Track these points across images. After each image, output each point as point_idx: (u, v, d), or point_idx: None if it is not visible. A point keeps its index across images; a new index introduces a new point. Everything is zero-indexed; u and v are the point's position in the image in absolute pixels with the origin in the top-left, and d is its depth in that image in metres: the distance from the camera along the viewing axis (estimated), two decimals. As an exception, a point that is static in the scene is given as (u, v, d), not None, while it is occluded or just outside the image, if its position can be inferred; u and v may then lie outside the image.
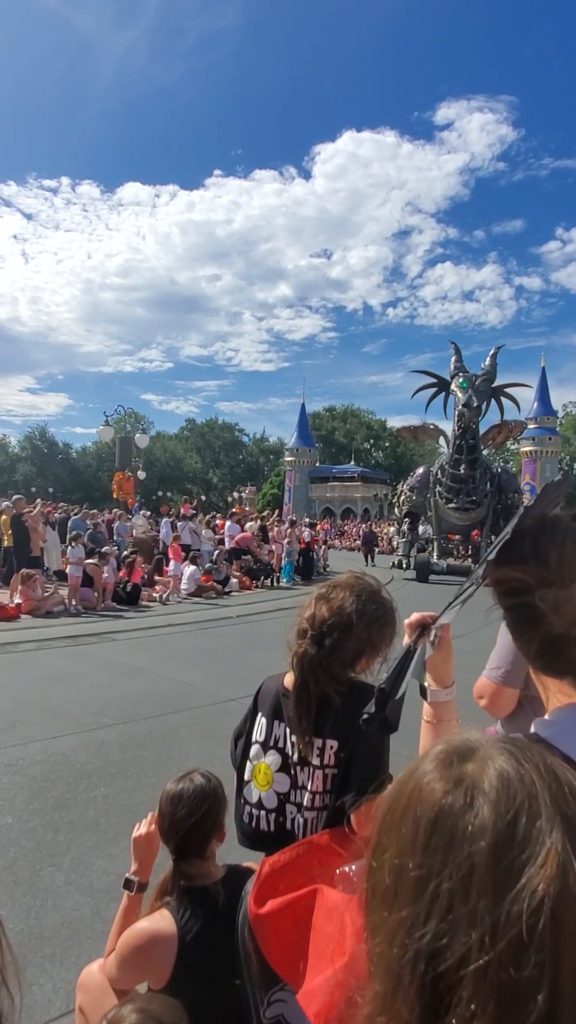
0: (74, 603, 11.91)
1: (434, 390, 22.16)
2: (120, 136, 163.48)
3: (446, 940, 0.54)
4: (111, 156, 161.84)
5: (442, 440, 23.51)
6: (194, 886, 1.80)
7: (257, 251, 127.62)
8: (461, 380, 20.33)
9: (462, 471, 20.31)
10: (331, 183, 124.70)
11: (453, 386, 20.69)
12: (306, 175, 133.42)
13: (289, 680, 1.78)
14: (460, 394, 20.09)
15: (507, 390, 21.82)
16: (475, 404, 19.84)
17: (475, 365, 21.24)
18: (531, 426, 51.46)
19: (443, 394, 21.81)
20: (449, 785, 0.59)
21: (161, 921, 1.74)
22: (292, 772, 1.73)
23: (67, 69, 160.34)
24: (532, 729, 1.03)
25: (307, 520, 29.61)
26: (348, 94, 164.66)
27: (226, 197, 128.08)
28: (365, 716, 1.20)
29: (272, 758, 1.76)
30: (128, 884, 1.97)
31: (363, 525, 40.01)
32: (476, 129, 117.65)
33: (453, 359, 21.21)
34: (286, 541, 18.81)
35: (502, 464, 25.54)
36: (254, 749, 1.80)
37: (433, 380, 22.22)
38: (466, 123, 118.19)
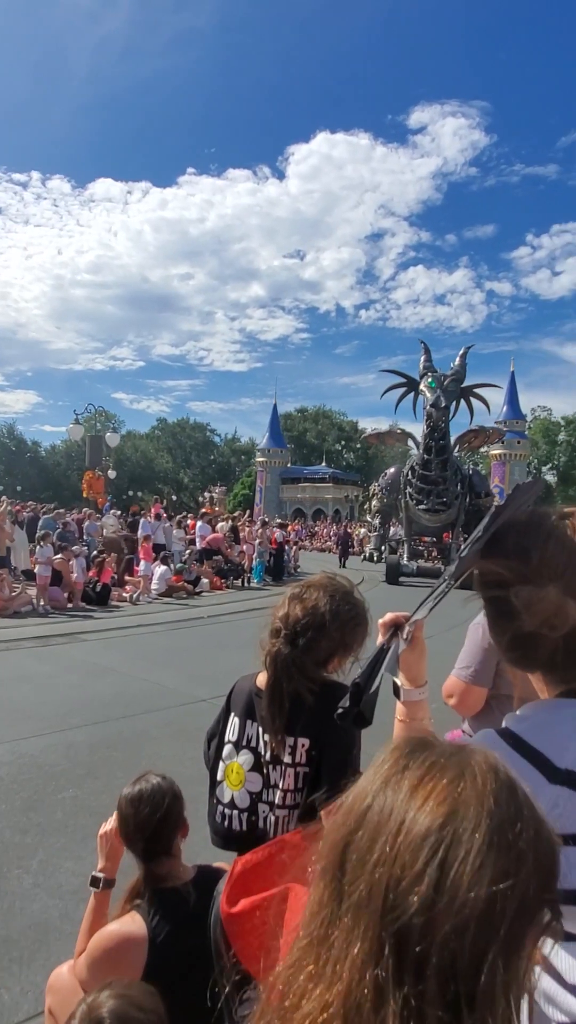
0: (43, 603, 11.74)
1: (403, 390, 21.99)
2: (92, 131, 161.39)
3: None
4: (83, 151, 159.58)
5: (411, 442, 23.37)
6: (164, 888, 1.80)
7: (230, 250, 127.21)
8: (430, 380, 20.19)
9: (432, 472, 20.19)
10: (305, 184, 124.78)
11: (422, 386, 20.53)
12: (280, 175, 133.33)
13: (262, 680, 1.79)
14: (428, 394, 19.93)
15: (476, 390, 21.78)
16: (443, 404, 19.64)
17: (446, 366, 21.23)
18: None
19: (412, 394, 21.65)
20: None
21: (131, 924, 1.74)
22: (264, 771, 1.74)
23: (39, 61, 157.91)
24: (504, 724, 1.05)
25: (278, 521, 29.61)
26: (322, 95, 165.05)
27: (199, 195, 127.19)
28: (339, 710, 1.21)
29: (244, 757, 1.77)
30: (95, 881, 1.96)
31: (338, 527, 40.13)
32: (449, 134, 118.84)
33: (422, 358, 21.09)
34: (257, 541, 18.80)
35: (473, 466, 25.43)
36: (227, 749, 1.81)
37: (402, 380, 22.06)
38: (439, 127, 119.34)
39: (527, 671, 1.11)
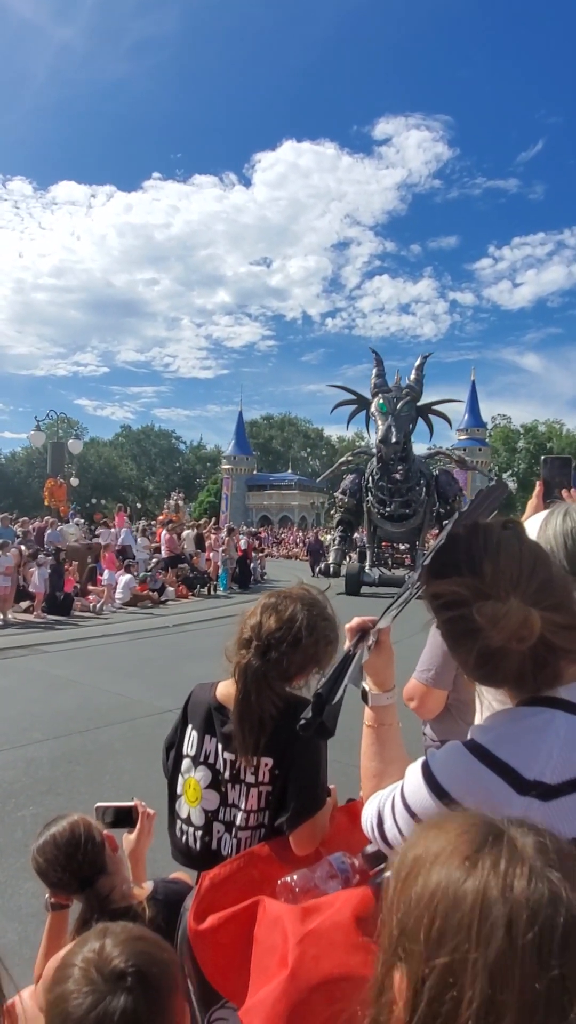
0: (1, 616, 11.46)
1: (355, 406, 20.50)
2: (55, 133, 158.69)
3: None
4: (45, 153, 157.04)
5: (372, 439, 20.91)
6: (116, 908, 1.73)
7: (196, 256, 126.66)
8: (380, 402, 18.39)
9: (397, 476, 18.67)
10: (271, 191, 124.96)
11: (373, 408, 18.83)
12: (246, 182, 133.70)
13: (222, 692, 1.73)
14: (380, 421, 18.30)
15: (436, 407, 20.40)
16: (393, 440, 17.76)
17: (406, 375, 19.79)
18: (461, 437, 53.15)
19: (365, 410, 19.99)
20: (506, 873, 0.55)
21: None
22: (222, 789, 1.68)
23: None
24: (468, 736, 1.04)
25: (244, 528, 29.49)
26: (288, 104, 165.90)
27: (165, 200, 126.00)
28: (302, 722, 1.19)
29: (202, 773, 1.71)
30: (47, 904, 1.90)
31: (307, 534, 40.13)
32: (413, 146, 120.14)
33: (374, 372, 19.31)
34: (222, 549, 18.69)
35: (440, 468, 22.81)
36: (185, 762, 1.75)
37: (352, 397, 20.56)
38: (404, 139, 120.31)
39: (495, 687, 1.09)
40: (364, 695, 1.35)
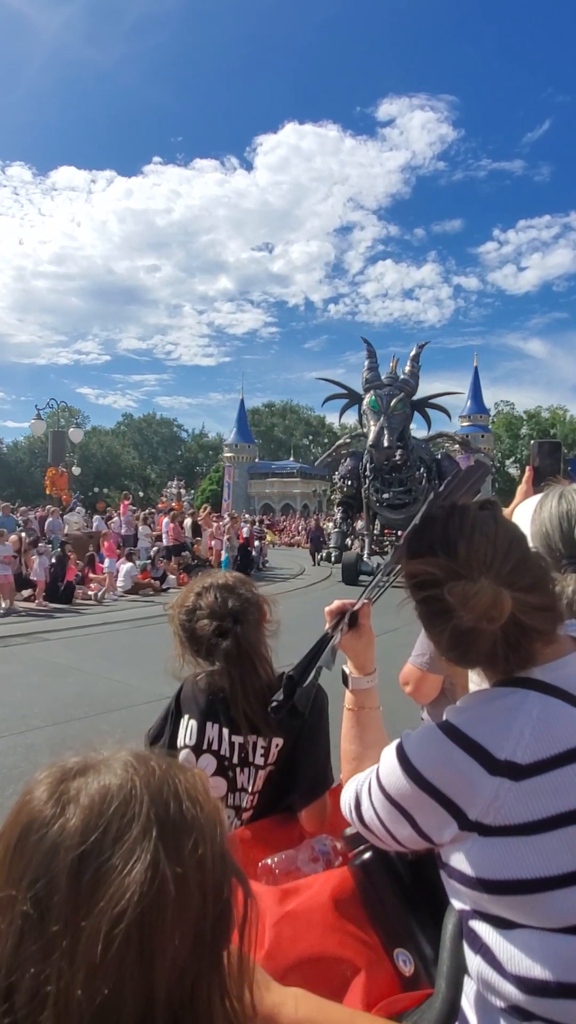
0: (2, 604, 11.50)
1: (346, 400, 19.25)
2: (54, 117, 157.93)
3: (16, 976, 0.49)
4: (44, 138, 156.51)
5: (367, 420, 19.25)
6: None
7: (198, 242, 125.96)
8: (372, 399, 17.07)
9: (396, 460, 17.48)
10: (273, 175, 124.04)
11: (364, 405, 17.75)
12: (248, 166, 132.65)
13: (220, 679, 1.73)
14: (372, 420, 17.10)
15: (434, 400, 19.35)
16: (385, 444, 16.46)
17: (405, 360, 18.65)
18: (464, 424, 52.98)
19: (357, 405, 18.64)
20: (47, 799, 0.56)
21: None
22: (230, 775, 1.67)
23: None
24: (444, 717, 1.04)
25: (247, 516, 29.51)
26: (290, 85, 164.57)
27: (166, 185, 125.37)
28: (274, 704, 1.19)
29: (206, 762, 1.69)
30: None
31: (307, 521, 40.09)
32: (417, 127, 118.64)
33: (366, 364, 17.95)
34: (225, 537, 18.70)
35: (442, 451, 21.75)
36: (183, 754, 1.73)
37: (343, 392, 19.38)
38: (408, 120, 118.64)
39: (469, 667, 1.09)
40: (344, 678, 1.35)
